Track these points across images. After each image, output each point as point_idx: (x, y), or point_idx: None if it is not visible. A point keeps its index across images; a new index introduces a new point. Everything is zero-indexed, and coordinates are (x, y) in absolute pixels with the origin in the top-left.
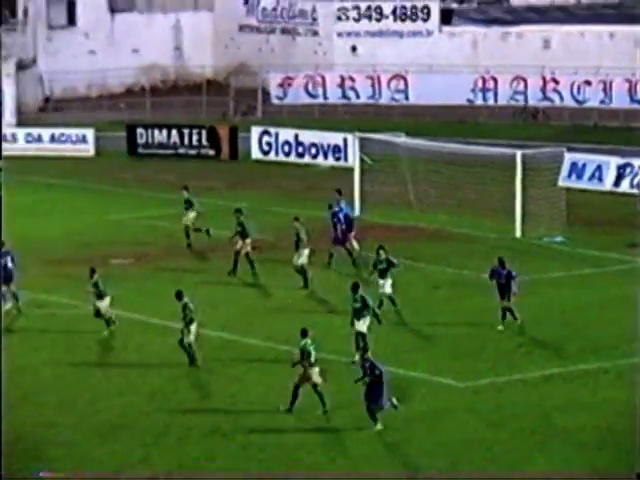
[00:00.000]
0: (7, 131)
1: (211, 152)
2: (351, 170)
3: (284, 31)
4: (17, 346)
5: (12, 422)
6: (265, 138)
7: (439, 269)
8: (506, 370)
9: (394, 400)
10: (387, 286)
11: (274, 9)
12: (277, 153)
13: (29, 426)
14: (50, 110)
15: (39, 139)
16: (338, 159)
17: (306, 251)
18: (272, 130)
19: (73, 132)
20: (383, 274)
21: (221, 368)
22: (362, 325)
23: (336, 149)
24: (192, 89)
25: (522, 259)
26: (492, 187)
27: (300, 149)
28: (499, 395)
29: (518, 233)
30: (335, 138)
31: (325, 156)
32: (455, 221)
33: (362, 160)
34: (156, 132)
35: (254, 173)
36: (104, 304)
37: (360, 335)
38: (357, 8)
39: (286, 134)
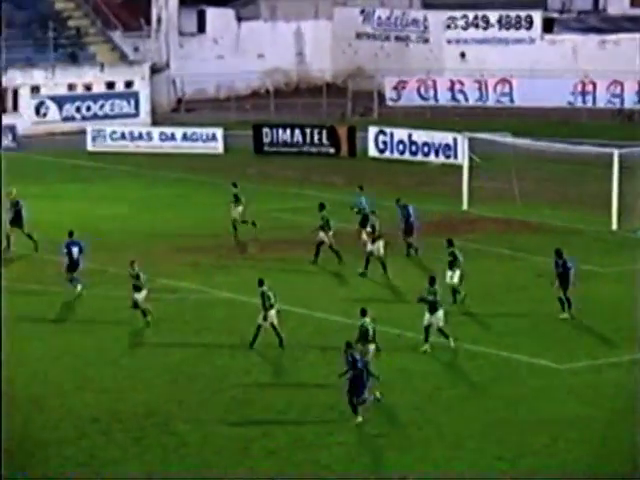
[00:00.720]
0: (143, 130)
1: (331, 150)
2: (460, 167)
3: (398, 38)
4: (151, 329)
5: (146, 398)
6: (381, 137)
7: (541, 260)
8: (603, 353)
9: (377, 393)
10: (455, 277)
11: (388, 18)
12: (392, 151)
13: (160, 402)
14: (182, 110)
15: (172, 137)
16: (448, 157)
17: (381, 242)
18: (387, 130)
19: (203, 131)
20: (451, 266)
21: (336, 349)
22: (433, 318)
23: (446, 148)
24: (313, 91)
25: (617, 250)
26: (591, 183)
27: (413, 148)
28: (597, 376)
29: (614, 226)
30: (445, 138)
31: (436, 154)
32: (556, 215)
33: (471, 158)
34: (280, 131)
35: (370, 170)
36: (141, 296)
37: (430, 327)
38: (465, 17)
39: (400, 134)
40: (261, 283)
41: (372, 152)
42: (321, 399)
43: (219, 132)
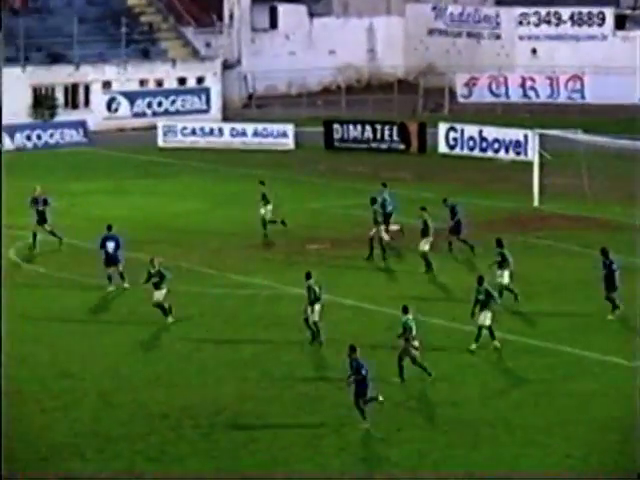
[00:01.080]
0: (214, 125)
1: (401, 146)
2: (530, 164)
3: (469, 35)
4: (222, 325)
5: (216, 394)
6: (451, 134)
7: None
8: None
9: (380, 397)
10: (504, 277)
11: (460, 14)
12: (462, 148)
13: (230, 398)
14: (253, 106)
15: (243, 133)
16: (519, 154)
17: (431, 239)
18: (458, 126)
19: (274, 127)
20: (500, 266)
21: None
22: (484, 318)
23: (517, 144)
24: (384, 88)
25: None
26: None
27: (484, 144)
28: None
29: None
30: (516, 134)
31: (506, 151)
32: (626, 212)
33: (541, 155)
34: (351, 127)
35: (440, 166)
36: (161, 294)
37: (483, 327)
38: (537, 14)
39: (471, 130)
40: (308, 276)
41: (442, 148)
42: (390, 396)
43: (290, 128)
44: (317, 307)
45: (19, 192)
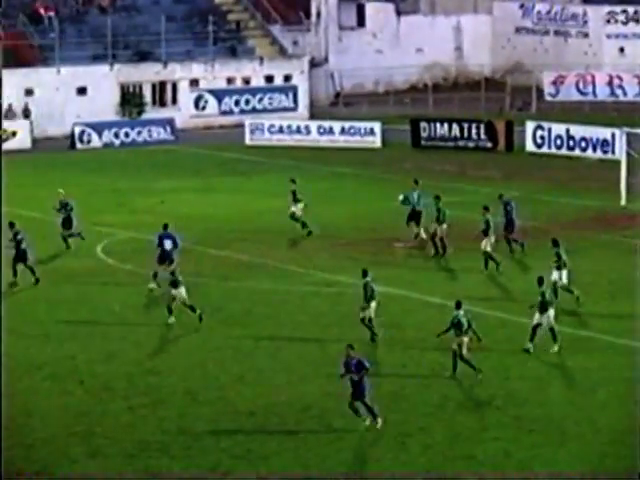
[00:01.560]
0: (301, 123)
1: (488, 144)
2: (618, 163)
3: (557, 33)
4: (309, 323)
5: (302, 391)
6: (539, 132)
7: None
8: None
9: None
10: (563, 277)
11: (548, 12)
12: (549, 146)
13: (317, 396)
14: (340, 104)
15: (330, 131)
16: (606, 152)
17: (493, 238)
18: (545, 125)
19: (361, 125)
20: (557, 266)
21: (495, 344)
22: (544, 318)
23: (604, 143)
24: (471, 86)
25: None
26: None
27: (571, 143)
28: None
29: None
30: (603, 133)
31: (594, 149)
32: None
33: (628, 153)
34: (438, 126)
35: (527, 164)
36: (181, 292)
37: (539, 327)
38: (625, 12)
39: (558, 129)
40: (365, 274)
41: (529, 147)
42: (477, 394)
43: (377, 126)
44: (373, 305)
45: (107, 190)
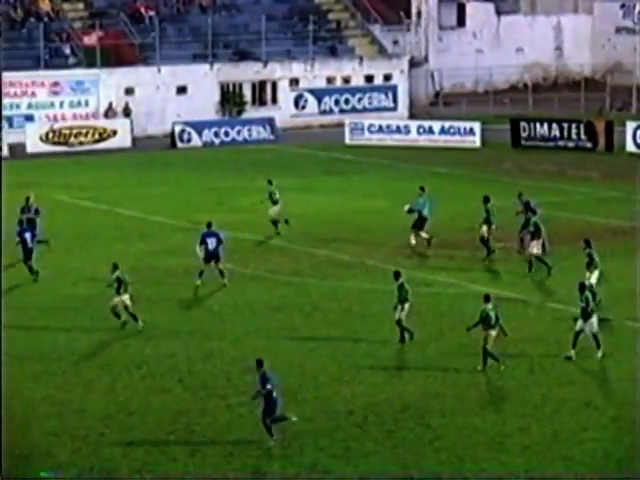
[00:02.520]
0: (400, 123)
1: (588, 145)
2: None
3: None
4: (407, 322)
5: (401, 391)
6: (639, 132)
7: None
8: None
9: (293, 417)
10: (592, 278)
11: None
12: None
13: (416, 395)
14: (440, 104)
15: (430, 131)
16: None
17: (541, 241)
18: None
19: (461, 125)
20: (588, 267)
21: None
22: (587, 325)
23: None
24: (571, 86)
25: None
26: None
27: None
28: None
29: None
30: None
31: None
32: None
33: None
34: (538, 126)
35: (628, 165)
36: (123, 298)
37: (581, 333)
38: None
39: None
40: (398, 275)
41: (630, 147)
42: (576, 394)
43: (477, 126)
44: (406, 306)
45: (206, 188)
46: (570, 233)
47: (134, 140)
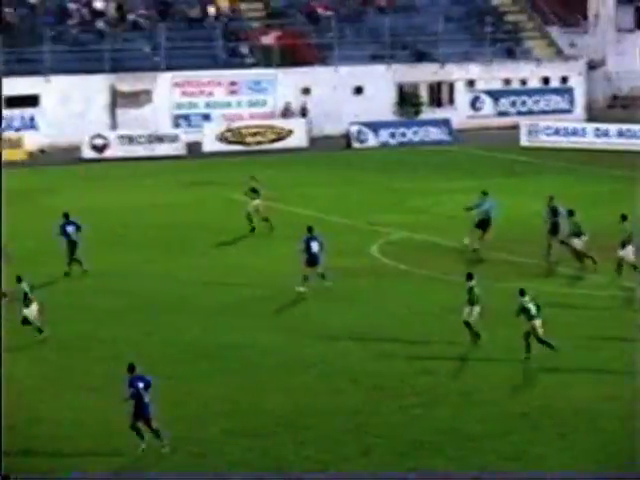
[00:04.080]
0: (577, 125)
1: None
2: None
3: None
4: (582, 325)
5: (575, 394)
6: None
7: None
8: None
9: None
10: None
11: None
12: None
13: (590, 398)
14: (617, 107)
15: (606, 134)
16: None
17: (632, 248)
18: None
19: (638, 128)
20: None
21: None
22: None
23: None
24: None
25: None
26: None
27: None
28: None
29: None
30: None
31: None
32: None
33: None
34: None
35: None
36: (30, 310)
37: None
38: None
39: None
40: (470, 277)
41: None
42: None
43: None
44: (476, 309)
45: (382, 189)
46: None
47: (311, 140)
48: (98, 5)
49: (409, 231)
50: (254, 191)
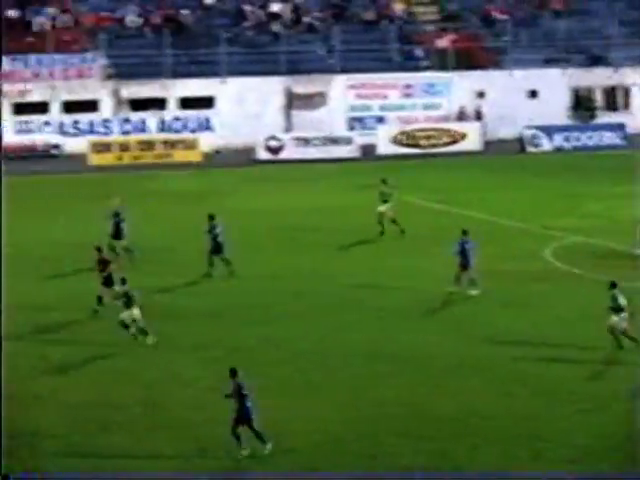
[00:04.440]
0: None
1: None
2: None
3: None
4: None
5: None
6: None
7: None
8: None
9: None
10: None
11: None
12: None
13: None
14: None
15: None
16: None
17: None
18: None
19: None
20: None
21: None
22: None
23: None
24: None
25: None
26: None
27: None
28: None
29: None
30: None
31: None
32: None
33: None
34: None
35: None
36: (130, 313)
37: None
38: None
39: None
40: (613, 286)
41: None
42: None
43: None
44: (616, 317)
45: (557, 193)
46: None
47: (486, 144)
48: (274, 7)
49: (583, 235)
50: (384, 194)
